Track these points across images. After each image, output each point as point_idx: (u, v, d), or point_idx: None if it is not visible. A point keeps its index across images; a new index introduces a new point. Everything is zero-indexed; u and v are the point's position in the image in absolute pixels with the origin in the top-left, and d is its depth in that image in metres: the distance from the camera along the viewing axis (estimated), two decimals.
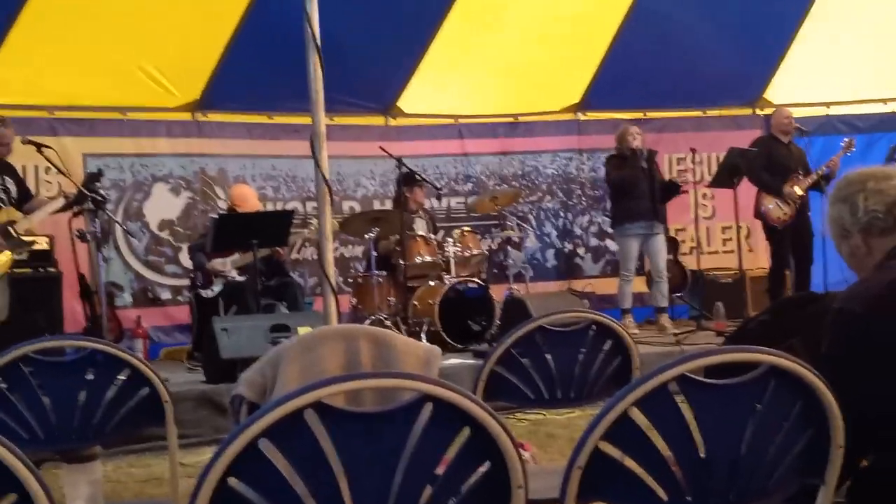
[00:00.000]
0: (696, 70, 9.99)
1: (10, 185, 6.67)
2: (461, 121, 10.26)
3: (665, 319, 8.77)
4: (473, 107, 10.20)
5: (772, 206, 8.63)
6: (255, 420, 1.56)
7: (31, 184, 7.81)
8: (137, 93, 8.71)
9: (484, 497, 1.70)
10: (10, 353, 2.63)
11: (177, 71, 8.76)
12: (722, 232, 10.65)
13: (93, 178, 6.73)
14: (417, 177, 8.65)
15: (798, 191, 8.55)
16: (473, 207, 9.44)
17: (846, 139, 8.89)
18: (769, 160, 8.69)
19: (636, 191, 8.52)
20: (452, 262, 8.28)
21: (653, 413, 1.80)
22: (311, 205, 9.23)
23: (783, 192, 8.56)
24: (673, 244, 9.69)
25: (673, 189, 8.77)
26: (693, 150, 9.43)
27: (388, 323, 7.81)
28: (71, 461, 2.51)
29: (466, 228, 8.76)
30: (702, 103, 10.66)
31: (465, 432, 1.67)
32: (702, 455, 1.82)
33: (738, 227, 8.91)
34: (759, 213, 8.83)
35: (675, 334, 8.23)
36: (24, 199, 6.77)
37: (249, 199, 8.08)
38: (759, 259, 10.41)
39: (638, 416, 1.79)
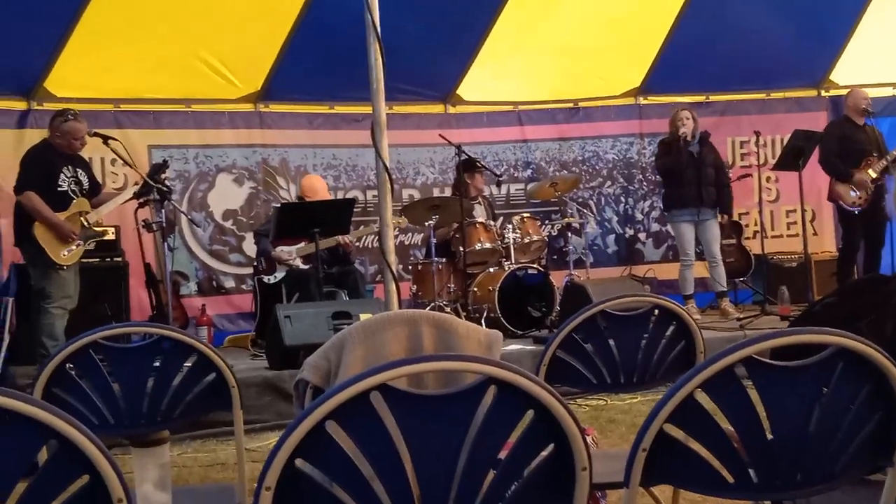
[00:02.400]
0: (758, 51, 9.84)
1: (83, 177, 6.81)
2: (520, 107, 10.23)
3: (727, 304, 8.68)
4: (532, 93, 10.17)
5: (847, 190, 8.47)
6: (321, 402, 1.58)
7: (97, 175, 7.96)
8: (200, 85, 8.83)
9: (548, 479, 1.70)
10: (80, 339, 2.68)
11: (239, 62, 8.86)
12: (786, 215, 10.49)
13: (158, 169, 6.86)
14: (477, 163, 8.65)
15: (872, 174, 8.37)
16: (533, 194, 9.40)
17: None
18: (842, 143, 8.51)
19: (682, 177, 8.43)
20: (512, 248, 8.27)
21: (719, 395, 1.78)
22: (371, 193, 9.29)
23: (853, 179, 8.39)
24: (737, 228, 9.57)
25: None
26: (757, 133, 9.30)
27: (447, 309, 7.83)
28: (139, 445, 2.55)
29: (526, 215, 8.74)
30: (765, 85, 10.50)
31: (530, 415, 1.67)
32: (768, 437, 1.81)
33: (803, 211, 8.75)
34: (832, 197, 8.68)
35: (739, 319, 8.15)
36: (94, 192, 6.93)
37: (319, 191, 8.15)
38: (825, 243, 10.26)
39: (704, 399, 1.78)
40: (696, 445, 1.81)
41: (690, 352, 3.04)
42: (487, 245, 8.27)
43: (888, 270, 8.20)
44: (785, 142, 9.24)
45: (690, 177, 8.43)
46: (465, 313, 8.01)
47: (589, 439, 4.51)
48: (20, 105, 8.27)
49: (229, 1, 8.30)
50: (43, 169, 6.59)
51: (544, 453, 1.69)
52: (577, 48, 9.71)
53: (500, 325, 7.72)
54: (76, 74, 8.24)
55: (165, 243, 6.85)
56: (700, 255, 8.80)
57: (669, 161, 8.54)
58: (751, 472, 1.81)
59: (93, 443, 1.55)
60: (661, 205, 10.24)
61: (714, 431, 1.80)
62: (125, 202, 6.97)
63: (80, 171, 6.81)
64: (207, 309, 8.50)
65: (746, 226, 10.02)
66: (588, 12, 9.52)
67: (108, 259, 7.69)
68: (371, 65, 4.43)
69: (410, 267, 8.84)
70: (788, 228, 10.48)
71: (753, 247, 9.64)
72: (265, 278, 7.82)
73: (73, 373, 2.68)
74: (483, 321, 7.83)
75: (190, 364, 2.74)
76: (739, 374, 1.78)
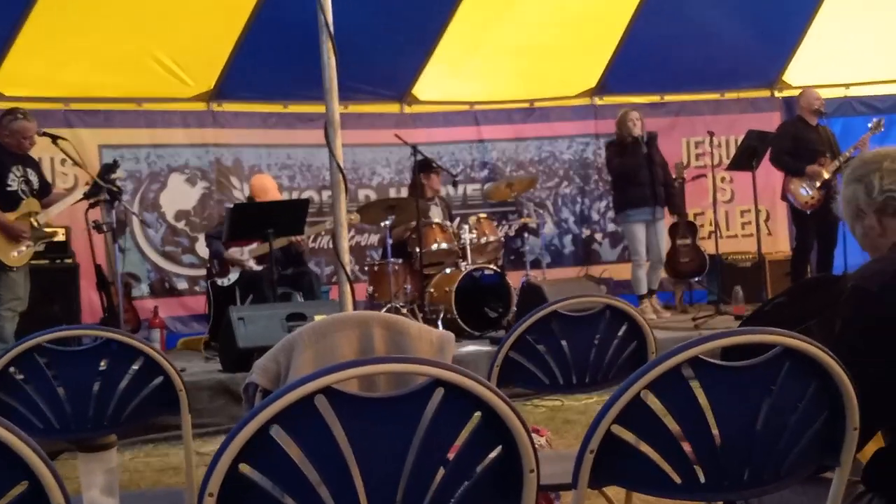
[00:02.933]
0: (713, 52, 9.93)
1: (33, 177, 6.72)
2: (477, 107, 10.23)
3: (655, 302, 8.91)
4: (489, 93, 10.17)
5: (799, 189, 8.56)
6: (265, 406, 1.55)
7: (47, 175, 7.85)
8: (152, 83, 8.72)
9: (496, 481, 1.69)
10: (23, 342, 2.63)
11: (191, 60, 8.77)
12: (741, 215, 10.59)
13: (108, 170, 6.77)
14: (433, 164, 8.64)
15: (824, 174, 8.47)
16: (489, 194, 9.41)
17: (875, 119, 8.75)
18: (796, 143, 8.61)
19: (638, 178, 8.56)
20: (468, 249, 8.27)
21: (666, 396, 1.79)
22: (326, 194, 9.23)
23: (805, 172, 8.48)
24: (691, 228, 9.65)
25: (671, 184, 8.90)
26: (711, 133, 9.39)
27: (404, 310, 7.82)
28: (86, 450, 2.51)
29: (482, 215, 8.74)
30: (719, 86, 10.59)
31: (477, 417, 1.66)
32: (716, 438, 1.81)
33: (758, 211, 8.84)
34: (785, 196, 8.77)
35: (694, 318, 8.21)
36: (44, 192, 6.83)
37: (270, 191, 8.09)
38: (779, 243, 10.36)
39: (651, 400, 1.78)
40: (644, 446, 1.81)
41: (642, 352, 3.06)
42: (444, 246, 8.26)
43: (840, 270, 8.30)
44: (739, 142, 9.33)
45: (644, 177, 8.52)
46: (421, 314, 8.00)
47: (543, 440, 4.51)
48: None
49: None
50: None
51: (492, 455, 1.68)
52: (533, 48, 9.74)
53: (457, 325, 7.72)
54: (25, 72, 8.12)
55: (116, 244, 6.78)
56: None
57: (626, 162, 8.61)
58: (699, 472, 1.81)
59: (31, 448, 1.51)
60: None
61: (661, 432, 1.80)
62: (76, 202, 6.87)
63: (30, 171, 6.71)
64: (160, 311, 8.40)
65: (701, 226, 10.09)
66: (544, 12, 9.54)
67: (59, 260, 7.58)
68: (324, 64, 4.40)
69: (367, 268, 8.80)
70: (743, 228, 10.59)
71: (708, 247, 9.71)
72: (219, 281, 7.76)
73: (17, 377, 2.63)
74: (440, 322, 7.82)
75: (137, 367, 2.70)
76: (687, 374, 1.78)
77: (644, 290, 8.81)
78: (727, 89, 10.67)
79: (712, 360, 1.80)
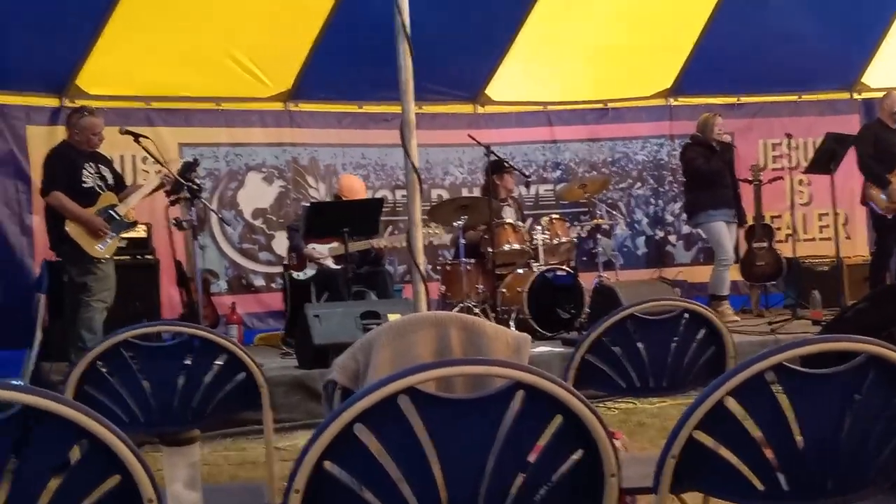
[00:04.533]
0: (791, 53, 9.76)
1: (106, 173, 6.79)
2: (550, 108, 10.20)
3: (728, 306, 8.71)
4: (562, 93, 10.13)
5: (880, 194, 8.39)
6: (349, 405, 1.58)
7: (128, 173, 8.03)
8: (231, 83, 8.86)
9: (576, 485, 1.70)
10: (111, 338, 2.70)
11: (270, 61, 8.89)
12: (819, 219, 10.40)
13: (189, 168, 6.89)
14: (506, 164, 8.63)
15: None
16: (562, 195, 9.37)
17: None
18: (876, 147, 8.43)
19: (723, 181, 8.45)
20: (541, 249, 8.25)
21: (749, 402, 1.78)
22: (400, 193, 9.30)
23: (889, 189, 8.31)
24: (768, 231, 9.49)
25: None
26: (788, 136, 9.25)
27: (476, 310, 7.82)
28: (170, 444, 2.57)
29: (555, 216, 8.71)
30: (797, 87, 10.41)
31: (558, 420, 1.67)
32: (799, 445, 1.79)
33: (836, 214, 8.67)
34: (865, 201, 8.60)
35: (770, 323, 8.09)
36: (119, 188, 6.90)
37: (358, 191, 8.16)
38: (857, 247, 10.16)
39: (733, 406, 1.77)
40: (725, 452, 1.80)
41: (720, 357, 3.02)
42: (516, 246, 8.25)
43: None
44: (817, 145, 9.16)
45: (728, 181, 8.46)
46: (493, 314, 8.01)
47: (618, 443, 4.49)
48: (52, 102, 8.33)
49: (260, 0, 8.33)
50: (66, 167, 6.58)
51: (573, 459, 1.69)
52: (607, 48, 9.68)
53: (529, 326, 7.71)
54: (108, 71, 8.29)
55: (196, 241, 6.89)
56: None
57: (714, 165, 8.45)
58: (781, 479, 1.80)
59: (124, 443, 1.56)
60: None
61: (744, 438, 1.79)
62: (151, 192, 6.97)
63: (103, 167, 6.78)
64: (237, 307, 8.54)
65: (778, 229, 9.93)
66: (620, 12, 9.48)
67: (140, 257, 7.74)
68: (400, 65, 4.44)
69: (439, 267, 8.83)
70: (821, 232, 10.39)
71: (785, 250, 9.56)
72: (295, 274, 7.85)
73: (104, 371, 2.70)
74: (512, 322, 7.82)
75: (220, 363, 2.75)
76: (769, 380, 1.77)
77: (726, 292, 8.63)
78: (805, 91, 10.48)
79: (796, 367, 1.78)
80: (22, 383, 6.44)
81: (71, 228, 6.48)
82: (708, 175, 8.54)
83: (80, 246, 6.48)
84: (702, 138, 8.64)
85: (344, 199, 8.07)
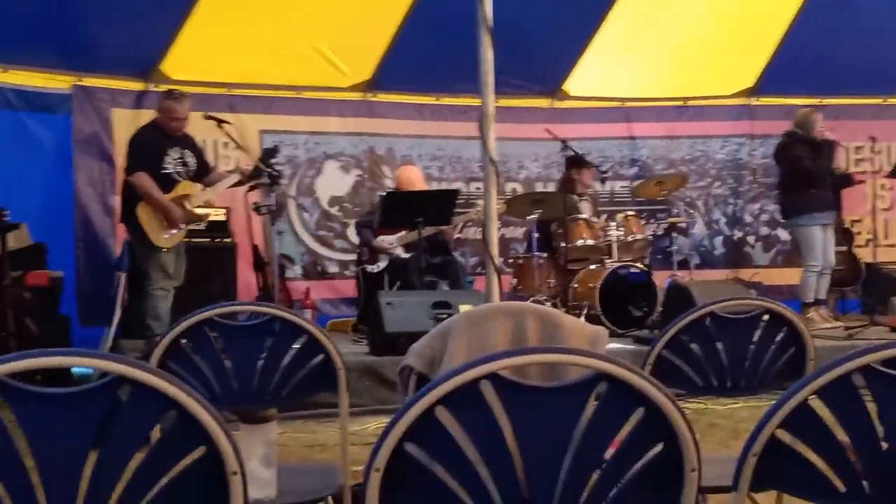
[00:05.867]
0: (876, 55, 9.53)
1: (190, 157, 6.86)
2: (628, 104, 10.13)
3: (825, 311, 8.49)
4: (641, 90, 10.05)
5: None
6: (432, 388, 1.60)
7: (210, 157, 8.14)
8: (312, 72, 8.97)
9: (656, 478, 1.69)
10: (195, 315, 2.75)
11: (349, 52, 8.97)
12: None
13: (269, 154, 6.97)
14: (585, 159, 8.56)
15: None
16: (638, 191, 9.28)
17: None
18: None
19: (826, 182, 8.24)
20: (615, 246, 8.20)
21: (834, 403, 1.75)
22: (474, 185, 9.31)
23: None
24: (848, 236, 9.30)
25: (846, 182, 8.43)
26: (872, 139, 9.05)
27: (547, 304, 7.81)
28: (248, 422, 2.62)
29: (630, 212, 8.65)
30: (882, 90, 10.18)
31: (639, 412, 1.66)
32: (884, 448, 1.76)
33: None
34: None
35: (847, 328, 7.93)
36: (202, 173, 7.00)
37: (416, 182, 8.19)
38: None
39: (818, 406, 1.75)
40: (808, 452, 1.78)
41: (800, 359, 2.98)
42: (590, 242, 8.21)
43: None
44: None
45: (828, 180, 8.28)
46: (564, 309, 7.97)
47: None
48: (138, 86, 8.51)
49: None
50: (150, 151, 6.65)
51: (653, 452, 1.68)
52: (688, 45, 9.58)
53: (601, 322, 7.65)
54: (192, 57, 8.44)
55: (274, 227, 6.97)
56: None
57: (820, 164, 8.23)
58: (864, 483, 1.77)
59: (212, 416, 1.60)
60: (771, 208, 10.05)
61: (827, 439, 1.76)
62: (232, 185, 7.07)
63: (187, 153, 6.84)
64: (311, 293, 8.63)
65: (858, 233, 9.74)
66: (702, 9, 9.37)
67: (219, 240, 7.87)
68: (481, 58, 4.46)
69: (511, 261, 8.83)
70: None
71: (864, 255, 9.37)
72: (368, 268, 7.93)
73: (187, 348, 2.76)
74: (583, 318, 7.78)
75: (299, 345, 2.79)
76: (857, 383, 1.74)
77: (811, 298, 8.40)
78: (890, 94, 10.24)
79: (884, 370, 1.75)
80: None
81: (141, 212, 6.55)
82: (815, 174, 8.25)
83: (145, 231, 6.55)
84: (802, 135, 8.33)
85: (402, 190, 8.08)
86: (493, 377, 1.62)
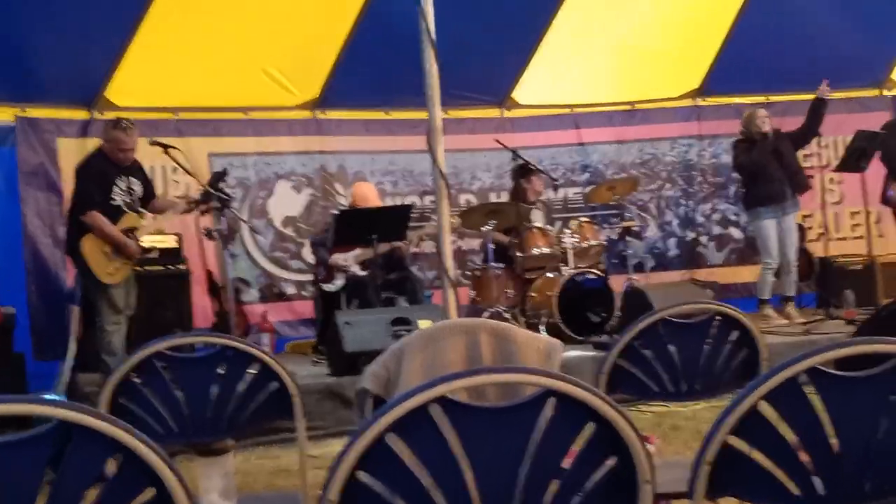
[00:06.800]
0: (818, 52, 9.66)
1: (136, 185, 6.74)
2: (577, 110, 10.18)
3: (791, 308, 8.50)
4: (589, 96, 10.11)
5: None
6: (381, 415, 1.59)
7: (158, 184, 8.06)
8: (259, 93, 8.92)
9: (610, 492, 1.69)
10: (143, 350, 2.72)
11: (296, 70, 8.94)
12: (850, 217, 10.30)
13: (218, 178, 6.92)
14: (532, 167, 8.60)
15: None
16: (591, 197, 9.34)
17: None
18: None
19: (767, 174, 8.29)
20: (570, 253, 8.23)
21: (782, 406, 1.76)
22: (428, 198, 9.31)
23: None
24: (800, 231, 9.41)
25: (819, 106, 8.41)
26: (819, 134, 9.14)
27: (506, 315, 7.82)
28: (204, 454, 2.59)
29: (584, 219, 8.70)
30: None
31: (590, 427, 1.66)
32: (834, 449, 1.78)
33: (868, 213, 8.60)
34: (885, 199, 8.50)
35: (803, 323, 8.01)
36: (149, 198, 6.89)
37: (370, 198, 8.18)
38: (890, 245, 10.05)
39: (767, 410, 1.76)
40: (760, 457, 1.79)
41: (753, 359, 3.01)
42: (545, 250, 8.24)
43: None
44: (847, 143, 9.08)
45: (774, 173, 8.27)
46: (524, 319, 8.00)
47: (652, 448, 4.49)
48: (82, 114, 8.41)
49: (286, 8, 8.37)
50: (98, 184, 6.53)
51: (606, 466, 1.69)
52: (634, 50, 9.66)
53: (560, 330, 7.69)
54: (136, 83, 8.37)
55: (227, 251, 6.91)
56: None
57: (756, 158, 8.32)
58: (817, 483, 1.78)
59: (159, 456, 1.57)
60: (722, 207, 10.17)
61: (778, 443, 1.77)
62: (180, 213, 6.99)
63: (133, 180, 6.72)
64: (269, 315, 8.57)
65: (810, 228, 9.85)
66: (645, 13, 9.46)
67: (171, 267, 7.79)
68: (426, 72, 4.46)
69: (469, 273, 8.84)
70: (853, 230, 10.29)
71: (817, 249, 9.48)
72: (325, 287, 7.89)
73: (138, 383, 2.72)
74: (542, 327, 7.80)
75: (253, 373, 2.77)
76: (802, 382, 1.75)
77: (767, 295, 8.45)
78: (834, 89, 10.35)
79: (830, 371, 1.77)
80: (57, 397, 6.51)
81: (86, 246, 6.45)
82: (749, 168, 8.41)
83: (89, 267, 6.45)
84: (746, 133, 8.47)
85: (358, 207, 8.07)
86: (442, 400, 1.61)
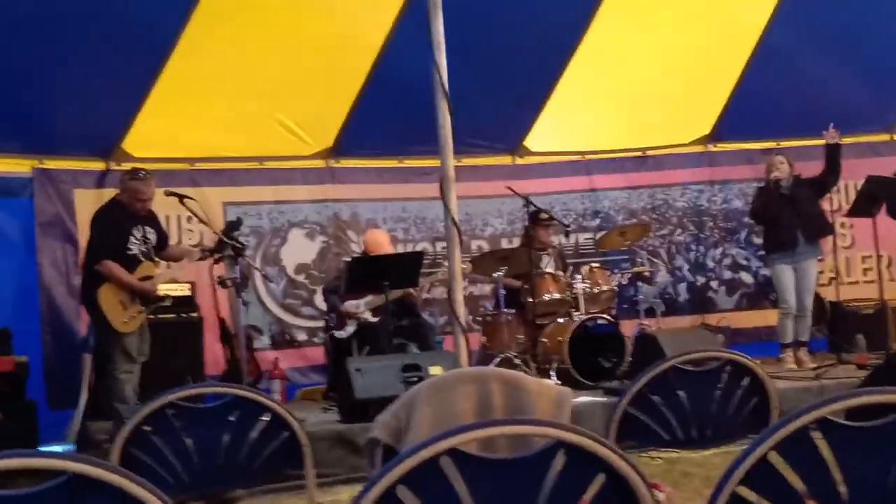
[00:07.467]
0: (829, 97, 9.69)
1: (151, 234, 6.82)
2: (588, 157, 10.23)
3: (804, 353, 8.45)
4: (600, 142, 10.15)
5: None
6: (392, 467, 1.60)
7: (173, 233, 8.13)
8: (274, 143, 8.98)
9: None
10: (155, 401, 2.73)
11: (311, 120, 9.01)
12: (862, 262, 10.28)
13: (232, 227, 6.98)
14: (544, 214, 8.62)
15: None
16: (602, 243, 9.36)
17: None
18: None
19: (777, 221, 8.30)
20: (581, 298, 8.23)
21: (792, 456, 1.77)
22: (440, 245, 9.33)
23: None
24: None
25: (832, 151, 8.40)
26: (837, 179, 9.15)
27: (517, 361, 7.81)
28: None
29: (595, 264, 8.70)
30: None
31: (600, 478, 1.67)
32: (843, 497, 1.78)
33: (879, 257, 8.57)
34: None
35: (815, 368, 7.97)
36: (162, 246, 6.98)
37: (383, 245, 8.21)
38: None
39: (776, 460, 1.76)
40: None
41: (764, 406, 3.01)
42: (556, 296, 8.25)
43: None
44: (858, 187, 9.09)
45: (785, 219, 8.27)
46: (535, 364, 7.99)
47: (662, 495, 4.46)
48: (99, 166, 8.48)
49: (300, 60, 8.46)
50: (114, 233, 6.60)
51: None
52: (645, 97, 9.69)
53: (571, 376, 7.67)
54: (153, 134, 8.42)
55: (240, 298, 6.94)
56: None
57: (762, 204, 8.38)
58: None
59: None
60: (733, 252, 10.18)
61: (788, 493, 1.78)
62: (196, 260, 7.04)
63: (149, 229, 6.80)
64: (280, 362, 8.57)
65: (821, 272, 9.81)
66: (657, 60, 9.51)
67: (184, 315, 7.82)
68: (439, 123, 4.51)
69: (480, 318, 8.83)
70: (864, 275, 10.26)
71: (829, 294, 9.46)
72: (336, 333, 7.90)
73: (149, 433, 2.73)
74: (553, 372, 7.78)
75: (263, 423, 2.78)
76: (812, 428, 1.76)
77: (789, 339, 8.39)
78: (845, 134, 10.36)
79: (840, 421, 1.77)
80: (69, 449, 6.51)
81: (103, 296, 6.49)
82: (759, 216, 8.53)
83: (105, 316, 6.49)
84: (765, 180, 8.53)
85: (370, 253, 8.10)
86: (452, 452, 1.63)
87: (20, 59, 7.37)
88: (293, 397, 8.54)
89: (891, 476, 1.79)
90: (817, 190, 8.49)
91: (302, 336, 9.12)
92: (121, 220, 6.68)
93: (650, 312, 9.08)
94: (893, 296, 9.50)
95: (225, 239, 6.72)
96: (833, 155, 8.33)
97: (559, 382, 7.07)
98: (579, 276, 8.37)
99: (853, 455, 1.79)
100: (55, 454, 1.54)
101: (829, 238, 9.12)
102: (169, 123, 8.38)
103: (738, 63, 9.66)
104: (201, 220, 7.13)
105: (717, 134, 10.28)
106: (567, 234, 9.13)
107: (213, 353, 8.17)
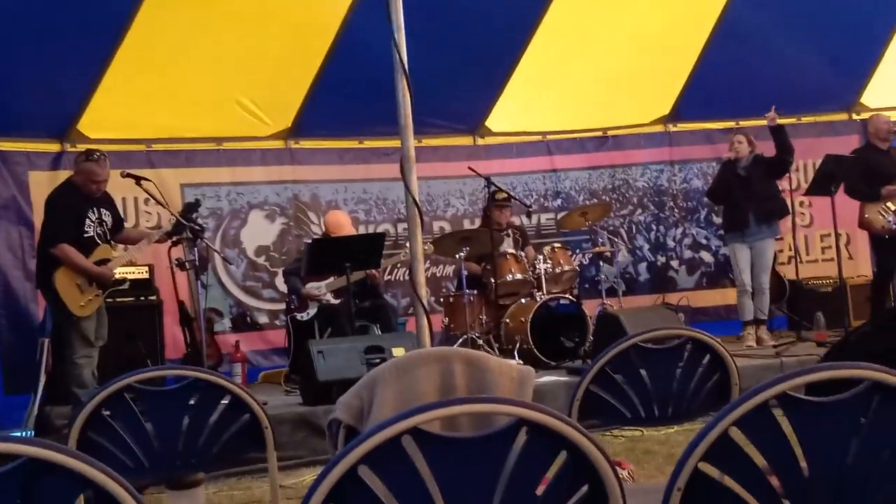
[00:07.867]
0: (788, 77, 9.79)
1: (107, 216, 6.71)
2: (549, 137, 10.24)
3: (764, 331, 8.54)
4: (561, 123, 10.18)
5: (876, 215, 8.38)
6: (354, 447, 1.58)
7: (130, 215, 8.05)
8: (232, 124, 8.90)
9: None
10: (113, 384, 2.69)
11: (269, 101, 8.94)
12: (820, 240, 10.41)
13: (191, 208, 6.89)
14: (499, 195, 8.61)
15: None
16: (563, 223, 9.39)
17: None
18: (867, 169, 8.42)
19: (730, 200, 8.40)
20: (543, 278, 8.25)
21: (753, 432, 1.77)
22: (402, 226, 9.31)
23: (881, 194, 8.31)
24: None
25: (776, 132, 8.47)
26: (791, 159, 9.23)
27: (480, 342, 7.82)
28: (175, 487, 2.57)
29: (557, 244, 8.72)
30: (796, 110, 10.39)
31: (562, 456, 1.66)
32: (805, 474, 1.79)
33: (837, 235, 8.66)
34: (863, 223, 8.58)
35: (775, 346, 8.05)
36: (118, 229, 6.88)
37: (344, 226, 8.17)
38: (860, 267, 10.16)
39: (738, 436, 1.77)
40: (731, 483, 1.80)
41: (725, 383, 3.02)
42: (518, 276, 8.26)
43: None
44: (817, 166, 9.17)
45: (738, 199, 8.35)
46: (497, 345, 8.00)
47: (625, 472, 4.48)
48: (54, 147, 8.38)
49: (258, 40, 8.38)
50: (70, 216, 6.49)
51: (578, 494, 1.69)
52: (605, 77, 9.72)
53: (534, 356, 7.70)
54: (109, 116, 8.33)
55: (199, 281, 6.87)
56: None
57: (714, 184, 8.50)
58: None
59: (127, 491, 1.56)
60: (693, 231, 10.27)
61: (749, 468, 1.78)
62: (154, 242, 6.96)
63: (104, 211, 6.70)
64: (241, 345, 8.53)
65: (780, 251, 9.92)
66: (616, 41, 9.53)
67: (143, 298, 7.74)
68: (399, 102, 4.47)
69: (442, 299, 8.84)
70: (823, 253, 10.40)
71: (788, 272, 9.56)
72: (298, 316, 7.87)
73: (107, 417, 2.70)
74: (516, 352, 7.80)
75: (224, 406, 2.75)
76: (772, 405, 1.77)
77: (749, 317, 8.49)
78: (804, 113, 10.50)
79: (800, 396, 1.78)
80: (26, 434, 6.43)
81: (59, 280, 6.38)
82: (712, 196, 8.75)
83: (62, 300, 6.38)
84: (725, 161, 8.64)
85: (332, 234, 8.06)
86: (414, 431, 1.61)
87: None
88: (255, 380, 8.50)
89: (850, 450, 1.80)
90: (776, 169, 8.55)
91: (263, 319, 9.07)
92: (76, 202, 6.55)
93: (611, 292, 9.13)
94: (852, 274, 9.64)
95: (183, 221, 6.64)
96: (778, 136, 8.41)
97: (522, 362, 7.08)
98: (541, 257, 8.38)
99: (814, 430, 1.79)
100: (10, 438, 1.50)
101: (788, 218, 9.22)
102: (125, 104, 8.28)
103: (697, 43, 9.71)
104: (158, 202, 7.03)
105: (677, 114, 10.34)
106: (529, 215, 9.15)
107: (173, 337, 8.10)
